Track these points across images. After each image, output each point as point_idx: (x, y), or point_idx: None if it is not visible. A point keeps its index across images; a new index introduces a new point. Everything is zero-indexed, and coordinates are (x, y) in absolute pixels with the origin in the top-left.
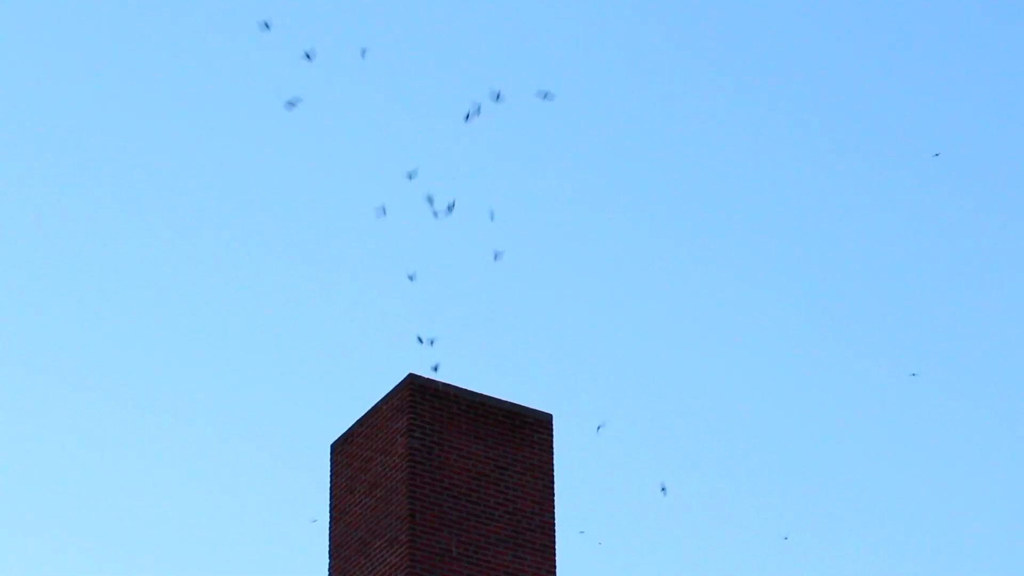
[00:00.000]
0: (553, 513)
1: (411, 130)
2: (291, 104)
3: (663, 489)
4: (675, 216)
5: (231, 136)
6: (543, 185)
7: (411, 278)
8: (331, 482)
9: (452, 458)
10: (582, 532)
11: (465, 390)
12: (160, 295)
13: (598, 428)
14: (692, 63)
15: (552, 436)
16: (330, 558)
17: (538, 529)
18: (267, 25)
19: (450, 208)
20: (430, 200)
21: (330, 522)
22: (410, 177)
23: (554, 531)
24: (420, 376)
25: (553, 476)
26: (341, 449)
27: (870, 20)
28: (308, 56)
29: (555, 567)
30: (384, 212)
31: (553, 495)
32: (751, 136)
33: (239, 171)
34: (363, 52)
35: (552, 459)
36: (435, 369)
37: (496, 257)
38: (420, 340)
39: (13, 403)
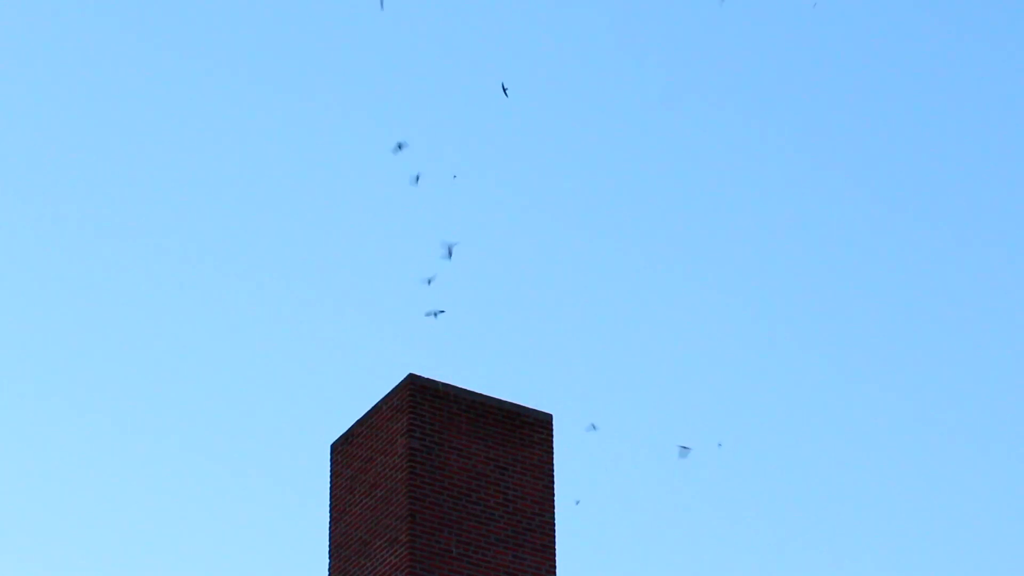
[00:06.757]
0: (553, 513)
1: (411, 130)
2: (399, 147)
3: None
4: (675, 217)
5: (230, 134)
6: (543, 185)
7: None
8: (331, 482)
9: (452, 458)
10: (720, 445)
11: (465, 390)
12: (161, 295)
13: (591, 427)
14: (690, 65)
15: (552, 436)
16: (330, 558)
17: (538, 529)
18: (399, 146)
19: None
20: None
21: (330, 522)
22: (399, 147)
23: (554, 531)
24: (420, 376)
25: (553, 476)
26: (341, 449)
27: (861, 23)
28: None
29: (555, 567)
30: (417, 180)
31: (553, 495)
32: (750, 137)
33: (239, 170)
34: (416, 178)
35: (552, 459)
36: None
37: (504, 90)
38: (455, 176)
39: (13, 402)
